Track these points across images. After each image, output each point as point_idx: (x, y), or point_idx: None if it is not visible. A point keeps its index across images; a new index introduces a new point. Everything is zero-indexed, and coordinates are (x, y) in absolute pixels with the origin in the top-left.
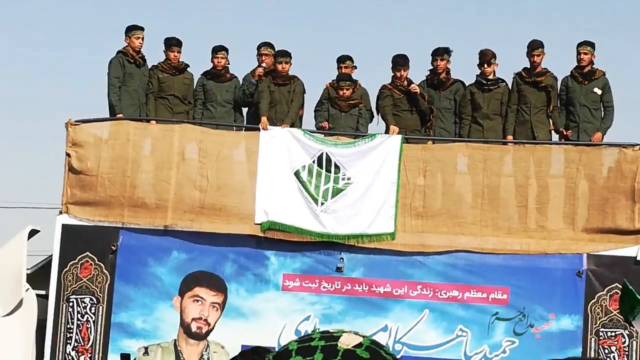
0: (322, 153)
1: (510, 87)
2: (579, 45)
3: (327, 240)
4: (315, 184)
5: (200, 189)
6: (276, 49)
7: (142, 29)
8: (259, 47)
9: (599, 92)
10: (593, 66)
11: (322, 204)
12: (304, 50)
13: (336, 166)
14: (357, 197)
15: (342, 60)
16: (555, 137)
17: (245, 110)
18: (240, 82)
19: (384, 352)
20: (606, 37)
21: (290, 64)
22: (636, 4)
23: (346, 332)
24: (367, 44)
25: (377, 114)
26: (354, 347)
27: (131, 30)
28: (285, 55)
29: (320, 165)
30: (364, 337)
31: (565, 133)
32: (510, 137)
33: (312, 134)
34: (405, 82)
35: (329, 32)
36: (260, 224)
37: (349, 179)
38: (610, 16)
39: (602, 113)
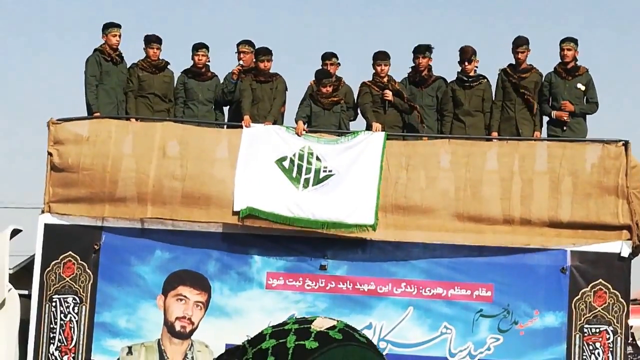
0: (304, 147)
1: (492, 83)
2: (562, 41)
3: (305, 227)
4: (296, 172)
5: (179, 179)
6: (257, 47)
7: (119, 26)
8: (238, 45)
9: (583, 88)
10: (576, 62)
11: (303, 189)
12: (290, 47)
13: (318, 159)
14: (338, 188)
15: (327, 57)
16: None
17: (226, 108)
18: (222, 81)
19: (357, 334)
20: (592, 34)
21: (272, 61)
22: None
23: (320, 317)
24: (355, 42)
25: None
26: (327, 329)
27: (108, 27)
28: (267, 53)
29: (301, 159)
30: (338, 321)
31: (560, 116)
32: (495, 134)
33: (294, 130)
34: (386, 79)
35: (316, 30)
36: (238, 212)
37: (330, 170)
38: (596, 13)
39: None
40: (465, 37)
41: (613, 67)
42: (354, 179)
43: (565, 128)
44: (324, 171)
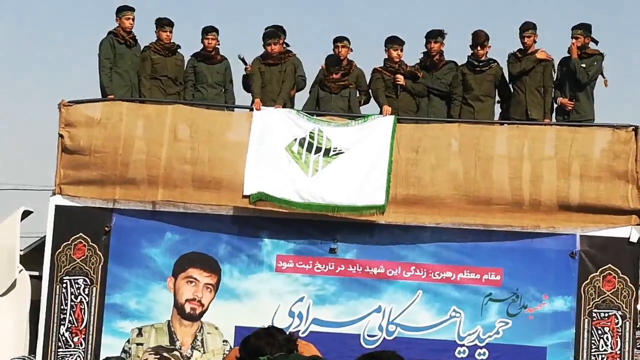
0: (314, 129)
1: (502, 67)
2: (572, 29)
3: (317, 212)
4: (305, 156)
5: (191, 163)
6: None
7: (132, 9)
8: (265, 29)
9: (585, 65)
10: (587, 49)
11: (313, 174)
12: (302, 30)
13: (328, 139)
14: (348, 170)
15: (339, 40)
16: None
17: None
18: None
19: None
20: (604, 19)
21: (279, 45)
22: None
23: None
24: (367, 27)
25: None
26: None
27: (122, 11)
28: (273, 36)
29: (312, 138)
30: None
31: (565, 104)
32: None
33: (305, 114)
34: (397, 65)
35: (331, 12)
36: (249, 196)
37: (340, 152)
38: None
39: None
40: (474, 23)
41: (625, 52)
42: (363, 160)
43: (565, 117)
44: (334, 150)
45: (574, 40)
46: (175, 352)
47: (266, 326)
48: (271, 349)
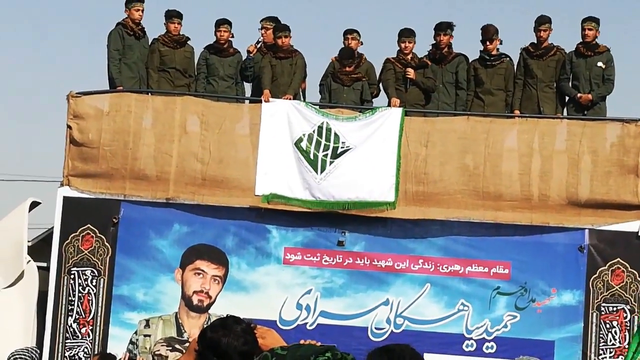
0: (322, 123)
1: (514, 62)
2: (584, 21)
3: (328, 209)
4: (314, 151)
5: (202, 162)
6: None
7: (142, 1)
8: (261, 21)
9: (603, 66)
10: (597, 41)
11: (322, 171)
12: (310, 23)
13: (336, 135)
14: (357, 166)
15: (349, 32)
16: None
17: (248, 86)
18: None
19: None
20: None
21: (290, 37)
22: None
23: None
24: (378, 19)
25: (381, 87)
26: None
27: (131, 2)
28: (284, 29)
29: (320, 134)
30: None
31: (580, 97)
32: (517, 111)
33: (314, 106)
34: (409, 57)
35: (338, 6)
36: (260, 196)
37: (348, 147)
38: None
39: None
40: (486, 17)
41: (634, 45)
42: (372, 156)
43: (585, 112)
44: (342, 147)
45: (580, 94)
46: (187, 344)
47: (224, 316)
48: (227, 340)
